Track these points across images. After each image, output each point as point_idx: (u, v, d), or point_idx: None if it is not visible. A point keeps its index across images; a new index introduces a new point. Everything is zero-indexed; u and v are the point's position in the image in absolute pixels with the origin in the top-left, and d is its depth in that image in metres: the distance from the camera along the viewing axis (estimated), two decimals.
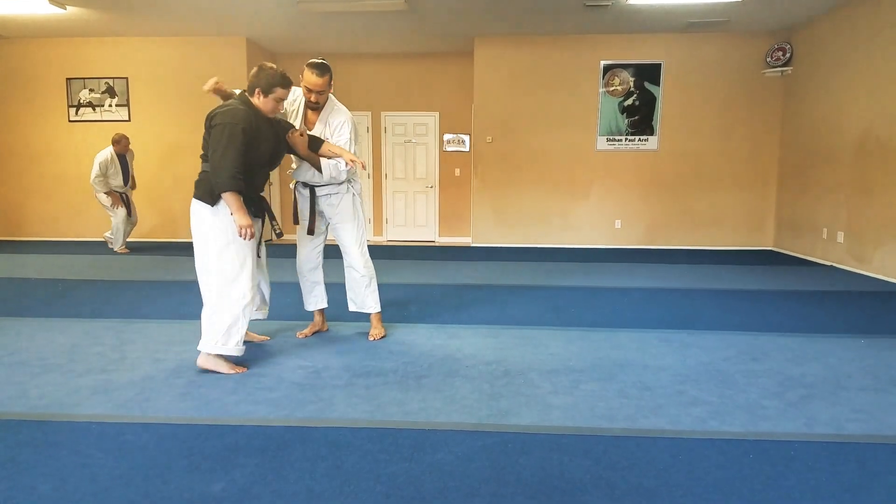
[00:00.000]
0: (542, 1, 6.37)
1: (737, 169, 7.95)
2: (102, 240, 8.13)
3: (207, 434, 2.34)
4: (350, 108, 3.49)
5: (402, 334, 3.73)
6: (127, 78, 8.27)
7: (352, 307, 3.68)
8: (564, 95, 7.99)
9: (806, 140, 7.20)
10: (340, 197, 3.46)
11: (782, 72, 7.55)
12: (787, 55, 7.41)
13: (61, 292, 4.97)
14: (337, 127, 3.35)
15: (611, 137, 8.01)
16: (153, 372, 3.05)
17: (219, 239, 2.97)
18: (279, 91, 2.94)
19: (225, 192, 2.84)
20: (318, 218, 3.51)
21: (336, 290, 3.88)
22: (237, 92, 3.15)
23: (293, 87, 3.23)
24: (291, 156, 3.39)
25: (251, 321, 3.25)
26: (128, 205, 7.34)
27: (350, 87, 8.84)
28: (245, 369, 3.07)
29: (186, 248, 7.68)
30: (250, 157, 2.92)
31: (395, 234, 9.25)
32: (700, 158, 7.97)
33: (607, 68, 7.90)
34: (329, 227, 3.58)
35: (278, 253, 5.24)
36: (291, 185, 3.58)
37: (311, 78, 3.19)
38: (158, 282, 5.46)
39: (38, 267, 6.24)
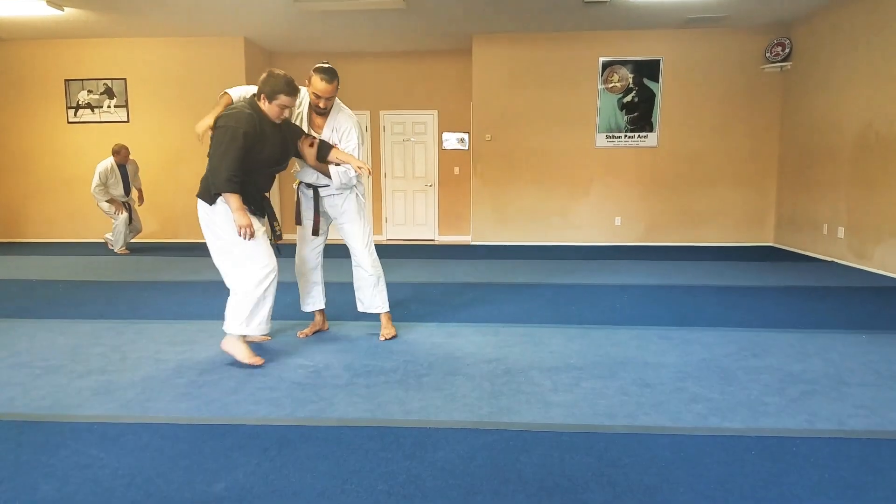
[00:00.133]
0: None
1: (736, 165, 7.95)
2: (102, 241, 8.14)
3: (209, 434, 2.34)
4: (349, 107, 3.48)
5: (403, 333, 3.73)
6: (125, 79, 8.27)
7: (360, 307, 3.68)
8: (563, 92, 7.99)
9: (806, 135, 7.19)
10: (344, 198, 3.46)
11: (782, 67, 7.54)
12: (787, 50, 7.40)
13: (62, 293, 4.98)
14: (345, 132, 3.34)
15: (610, 134, 8.00)
16: (154, 372, 3.05)
17: (226, 231, 3.03)
18: (283, 98, 2.95)
19: (221, 193, 2.89)
20: (321, 218, 3.51)
21: (334, 289, 3.88)
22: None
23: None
24: (296, 158, 3.39)
25: None
26: (129, 213, 7.39)
27: (348, 86, 8.79)
28: (262, 361, 3.13)
29: (187, 249, 7.68)
30: (253, 159, 2.95)
31: (394, 232, 9.25)
32: (700, 155, 7.96)
33: (606, 65, 7.90)
34: (335, 228, 3.58)
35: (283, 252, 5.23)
36: (295, 185, 3.57)
37: (319, 84, 3.15)
38: (159, 282, 5.46)
39: (38, 268, 6.24)
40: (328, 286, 3.74)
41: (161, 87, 8.25)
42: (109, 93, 8.30)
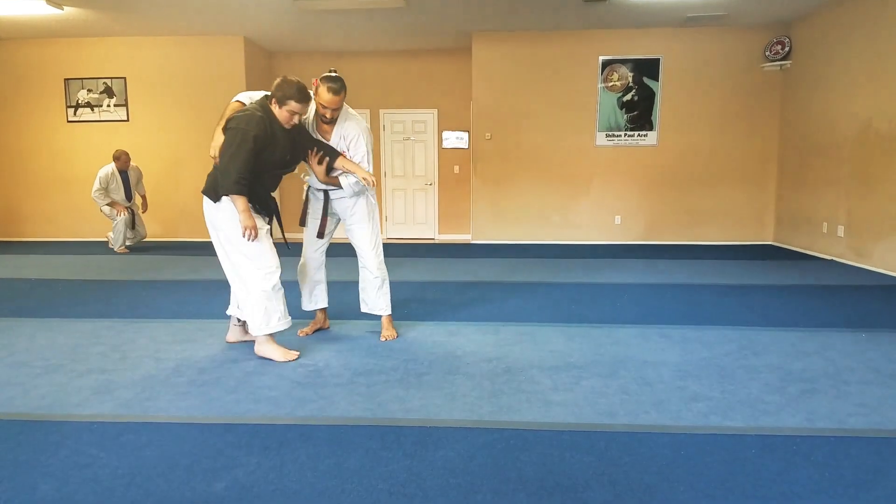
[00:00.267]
0: None
1: (736, 163, 7.95)
2: (103, 240, 8.14)
3: (209, 433, 2.34)
4: (349, 106, 3.47)
5: (403, 332, 3.73)
6: (125, 78, 8.26)
7: (363, 308, 3.67)
8: (563, 91, 7.98)
9: (805, 134, 7.19)
10: (355, 200, 3.47)
11: (781, 66, 7.53)
12: (786, 49, 7.39)
13: (61, 292, 4.97)
14: (353, 140, 3.33)
15: (610, 133, 8.00)
16: (154, 371, 3.05)
17: (231, 230, 3.05)
18: (293, 104, 2.97)
19: (228, 195, 2.92)
20: (329, 219, 3.52)
21: (335, 288, 3.88)
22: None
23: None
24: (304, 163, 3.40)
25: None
26: (132, 219, 7.43)
27: (348, 85, 8.75)
28: (298, 354, 3.21)
29: (187, 247, 7.68)
30: (262, 161, 2.98)
31: (394, 231, 9.25)
32: (699, 153, 7.96)
33: (606, 63, 7.89)
34: (343, 228, 3.58)
35: (282, 251, 5.23)
36: (304, 184, 3.57)
37: (325, 96, 3.13)
38: (158, 281, 5.45)
39: (37, 267, 6.24)
40: (330, 285, 3.74)
41: (161, 86, 8.24)
42: (109, 92, 8.29)
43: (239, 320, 3.44)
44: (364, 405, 2.61)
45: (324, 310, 3.73)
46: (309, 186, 3.52)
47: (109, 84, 8.28)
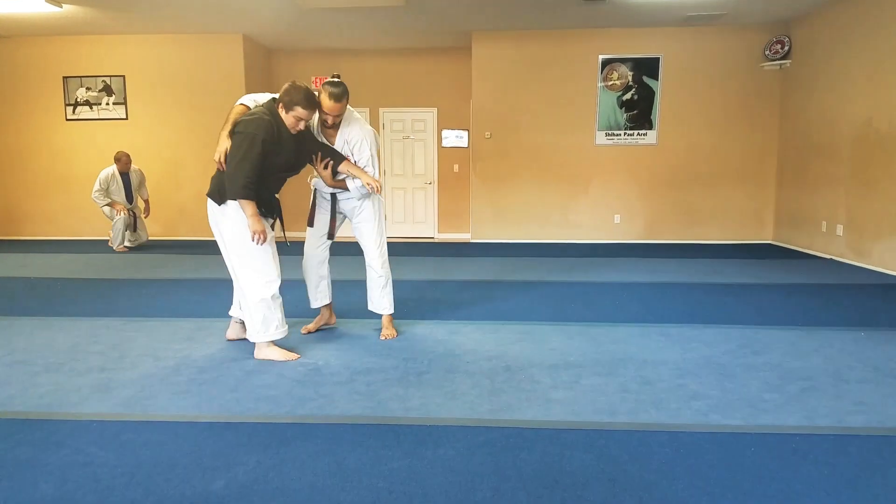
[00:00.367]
0: None
1: (736, 162, 7.95)
2: (102, 239, 8.14)
3: (208, 432, 2.34)
4: (353, 109, 3.47)
5: (403, 330, 3.73)
6: (124, 76, 8.24)
7: (370, 306, 3.69)
8: (563, 90, 7.98)
9: (805, 133, 7.19)
10: (363, 200, 3.49)
11: (781, 65, 7.53)
12: (786, 48, 7.39)
13: (60, 291, 4.97)
14: (356, 144, 3.33)
15: (609, 132, 8.00)
16: (154, 370, 3.05)
17: (233, 232, 3.06)
18: (300, 111, 2.97)
19: (237, 199, 2.92)
20: (336, 218, 3.55)
21: (336, 286, 3.87)
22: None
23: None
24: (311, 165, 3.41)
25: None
26: (133, 222, 7.46)
27: (348, 84, 8.75)
28: (298, 356, 3.20)
29: (186, 246, 7.67)
30: (268, 164, 2.99)
31: (394, 230, 9.24)
32: (699, 152, 7.96)
33: (606, 62, 7.89)
34: (347, 226, 3.60)
35: (283, 249, 5.23)
36: (310, 183, 3.57)
37: (327, 102, 3.12)
38: (158, 280, 5.45)
39: (36, 266, 6.24)
40: (334, 283, 3.75)
41: (160, 84, 8.23)
42: (108, 90, 8.28)
43: (241, 318, 3.44)
44: (364, 404, 2.61)
45: (328, 306, 3.73)
46: (316, 189, 3.53)
47: (108, 82, 8.27)
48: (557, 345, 3.45)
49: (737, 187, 7.99)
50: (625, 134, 7.99)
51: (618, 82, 7.91)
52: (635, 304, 4.48)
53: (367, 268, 3.60)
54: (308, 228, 3.59)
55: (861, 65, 6.12)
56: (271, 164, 3.01)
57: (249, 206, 2.94)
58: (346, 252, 3.68)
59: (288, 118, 3.00)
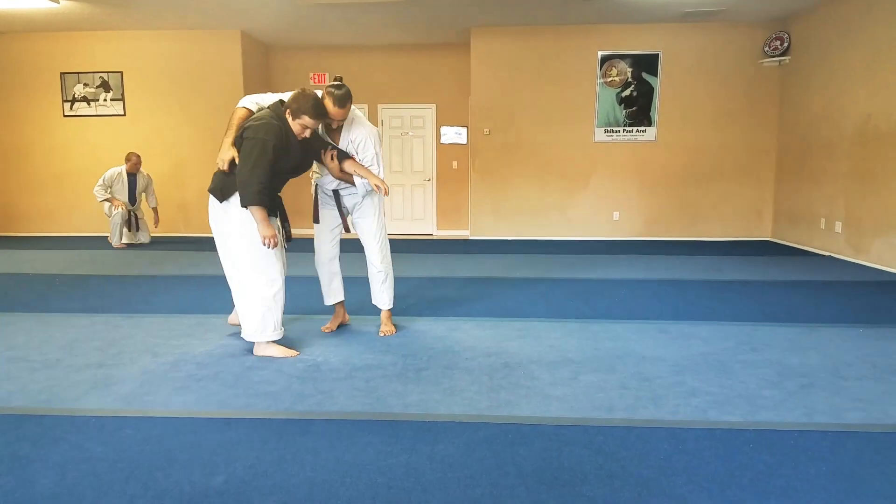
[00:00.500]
0: None
1: (734, 159, 7.95)
2: (101, 235, 8.14)
3: (207, 427, 2.34)
4: (357, 109, 3.46)
5: (402, 327, 3.73)
6: (121, 72, 8.22)
7: (373, 300, 3.70)
8: (562, 86, 7.97)
9: (804, 130, 7.19)
10: (364, 196, 3.51)
11: (780, 61, 7.53)
12: (785, 45, 7.39)
13: (59, 287, 4.96)
14: (360, 144, 3.33)
15: (609, 129, 7.99)
16: (152, 366, 3.04)
17: (240, 233, 3.05)
18: (307, 119, 2.97)
19: (250, 206, 2.90)
20: (344, 211, 3.56)
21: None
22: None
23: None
24: (315, 163, 3.41)
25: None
26: (135, 222, 7.49)
27: (346, 80, 8.76)
28: (297, 353, 3.20)
29: (184, 242, 7.67)
30: (276, 167, 2.99)
31: (392, 227, 9.23)
32: (698, 149, 7.96)
33: (605, 59, 7.88)
34: (352, 224, 3.62)
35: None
36: (312, 181, 3.57)
37: (332, 108, 3.11)
38: (156, 276, 5.45)
39: (34, 262, 6.23)
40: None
41: (158, 80, 8.21)
42: (105, 86, 8.26)
43: None
44: (363, 400, 2.61)
45: (342, 303, 3.73)
46: (317, 185, 3.53)
47: (106, 78, 8.24)
48: (556, 341, 3.45)
49: (736, 184, 7.99)
50: (624, 130, 7.98)
51: (617, 79, 7.90)
52: (634, 300, 4.49)
53: (368, 263, 3.60)
54: (315, 226, 3.59)
55: (860, 61, 6.12)
56: (279, 167, 3.02)
57: (260, 212, 2.93)
58: (345, 249, 3.67)
59: (294, 125, 3.00)
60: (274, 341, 3.21)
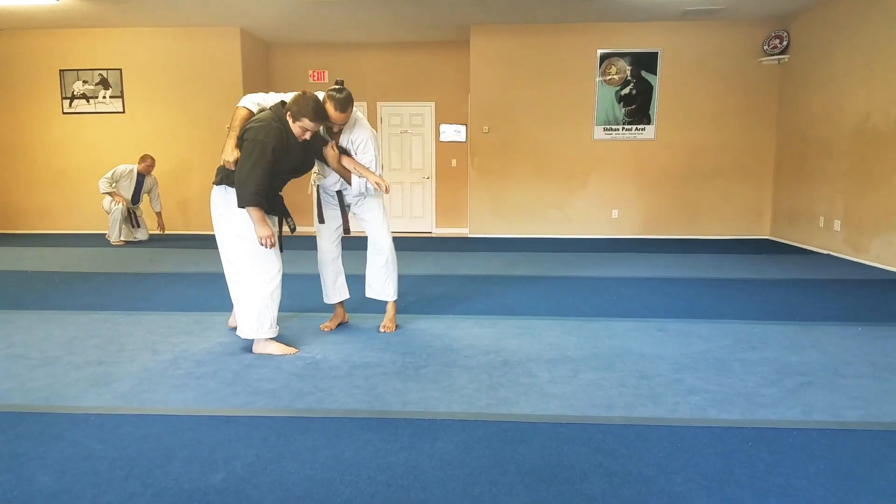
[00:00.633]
0: None
1: (734, 157, 7.95)
2: (100, 232, 8.13)
3: (207, 425, 2.34)
4: (358, 111, 3.45)
5: (401, 325, 3.73)
6: (121, 69, 8.21)
7: (369, 293, 3.68)
8: (561, 84, 7.96)
9: (803, 128, 7.19)
10: (357, 196, 3.52)
11: (779, 60, 7.53)
12: (784, 43, 7.39)
13: (58, 285, 4.96)
14: (360, 145, 3.34)
15: (608, 127, 7.99)
16: (151, 364, 3.04)
17: (236, 226, 3.06)
18: (306, 122, 2.98)
19: (247, 207, 2.92)
20: (346, 211, 3.58)
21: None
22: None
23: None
24: (317, 165, 3.42)
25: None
26: (135, 220, 7.51)
27: (345, 78, 8.76)
28: (296, 350, 3.21)
29: (182, 240, 7.66)
30: (276, 168, 3.01)
31: (391, 225, 9.14)
32: (697, 147, 7.96)
33: (604, 57, 7.88)
34: (356, 219, 3.62)
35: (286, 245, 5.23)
36: (312, 182, 3.57)
37: (334, 113, 3.10)
38: (155, 274, 5.44)
39: (33, 260, 6.22)
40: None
41: (157, 77, 8.20)
42: (105, 83, 8.24)
43: None
44: (362, 398, 2.61)
45: (342, 303, 3.73)
46: (319, 186, 3.52)
47: (105, 75, 8.23)
48: (555, 339, 3.45)
49: (735, 182, 7.99)
50: (623, 129, 7.98)
51: (616, 77, 7.90)
52: (633, 298, 4.49)
53: (374, 255, 3.59)
54: (319, 225, 3.59)
55: (859, 60, 6.12)
56: (279, 168, 3.04)
57: (257, 213, 2.94)
58: (344, 247, 3.67)
59: (294, 127, 3.01)
60: (271, 339, 3.21)
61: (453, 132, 8.95)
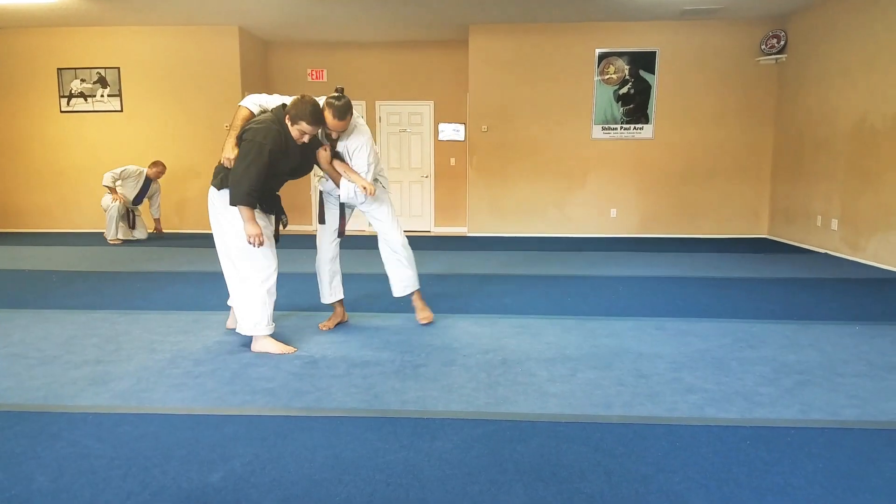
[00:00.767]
0: None
1: (731, 157, 7.96)
2: (98, 231, 8.11)
3: (205, 424, 2.33)
4: (359, 116, 3.44)
5: (399, 324, 3.73)
6: (119, 68, 8.19)
7: (396, 292, 3.73)
8: (559, 84, 7.96)
9: (800, 127, 7.20)
10: (343, 200, 3.52)
11: (777, 59, 7.54)
12: (782, 43, 7.40)
13: (56, 284, 4.95)
14: (355, 150, 3.34)
15: (606, 126, 8.00)
16: (149, 363, 3.04)
17: (234, 225, 3.08)
18: (304, 125, 3.00)
19: (237, 205, 2.95)
20: (345, 216, 3.61)
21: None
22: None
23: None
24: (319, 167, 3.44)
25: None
26: (132, 219, 7.53)
27: (344, 77, 8.79)
28: (295, 350, 3.23)
29: (181, 239, 7.65)
30: (274, 170, 3.04)
31: None
32: (695, 146, 7.96)
33: (602, 56, 7.88)
34: (355, 223, 3.64)
35: (282, 243, 5.22)
36: (320, 188, 3.58)
37: (332, 121, 3.11)
38: (153, 273, 5.44)
39: (31, 259, 6.21)
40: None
41: (155, 76, 8.18)
42: (103, 82, 8.23)
43: None
44: (361, 397, 2.61)
45: (341, 302, 3.74)
46: (322, 191, 3.53)
47: (103, 74, 8.21)
48: (554, 338, 3.45)
49: (732, 181, 8.00)
50: (621, 128, 7.98)
51: (614, 76, 7.90)
52: (631, 297, 4.49)
53: (390, 253, 3.67)
54: (320, 226, 3.61)
55: (857, 59, 6.12)
56: (277, 169, 3.07)
57: (247, 211, 2.98)
58: (343, 245, 3.67)
59: (293, 130, 3.04)
60: (269, 337, 3.22)
61: (452, 131, 8.94)
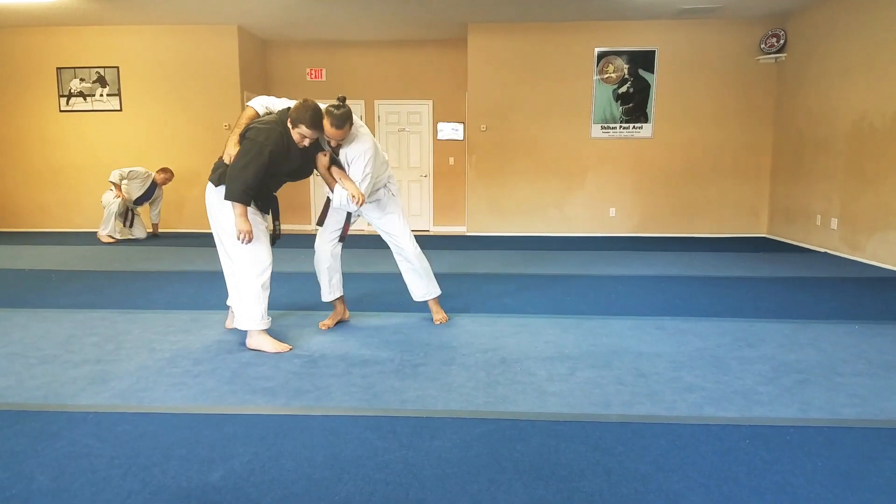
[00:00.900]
0: None
1: (731, 156, 7.96)
2: (94, 230, 8.10)
3: (205, 423, 2.33)
4: (362, 124, 3.43)
5: (399, 323, 3.73)
6: (118, 67, 8.19)
7: (415, 297, 3.77)
8: (558, 83, 7.97)
9: (800, 127, 7.21)
10: (378, 199, 3.56)
11: (776, 58, 7.54)
12: (781, 42, 7.40)
13: (55, 283, 4.95)
14: (354, 159, 3.32)
15: (605, 125, 8.00)
16: (149, 362, 3.04)
17: (230, 219, 3.10)
18: (303, 129, 3.01)
19: (233, 201, 2.98)
20: (349, 222, 3.61)
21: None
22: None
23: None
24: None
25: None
26: (131, 218, 7.56)
27: (343, 76, 8.79)
28: (290, 348, 3.23)
29: (178, 238, 7.65)
30: (272, 169, 3.06)
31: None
32: (694, 145, 7.97)
33: (601, 55, 7.88)
34: (356, 223, 3.64)
35: (281, 242, 5.22)
36: (326, 194, 3.59)
37: (330, 130, 3.09)
38: (152, 272, 5.43)
39: (30, 258, 6.20)
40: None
41: (154, 75, 8.18)
42: (102, 81, 8.23)
43: None
44: (360, 396, 2.61)
45: (341, 300, 3.74)
46: (328, 199, 3.53)
47: (102, 73, 8.21)
48: (553, 337, 3.45)
49: (732, 180, 8.01)
50: (620, 127, 7.99)
51: (613, 75, 7.90)
52: (630, 296, 4.50)
53: (403, 261, 3.69)
54: (319, 228, 3.61)
55: (856, 59, 6.13)
56: (277, 170, 3.10)
57: (240, 208, 3.01)
58: (343, 245, 3.67)
59: (294, 133, 3.06)
60: (264, 333, 3.23)
61: (451, 130, 8.94)
